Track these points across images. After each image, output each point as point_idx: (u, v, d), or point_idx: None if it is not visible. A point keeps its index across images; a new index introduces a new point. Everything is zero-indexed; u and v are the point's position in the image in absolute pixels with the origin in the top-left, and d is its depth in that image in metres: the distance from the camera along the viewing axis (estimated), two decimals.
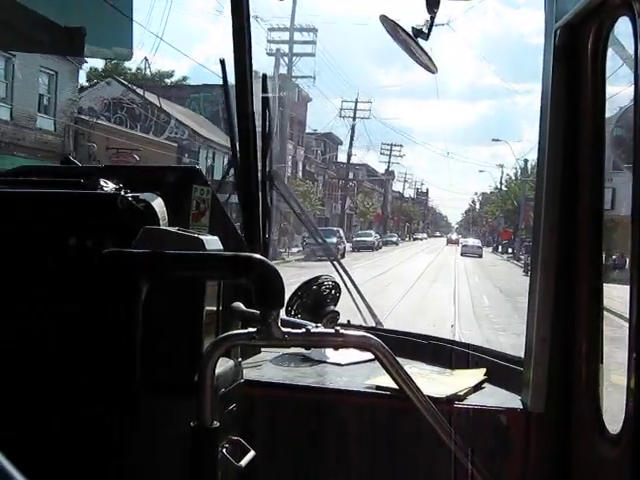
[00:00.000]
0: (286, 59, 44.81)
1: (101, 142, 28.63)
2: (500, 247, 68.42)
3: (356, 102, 66.56)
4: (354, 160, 75.34)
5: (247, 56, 2.76)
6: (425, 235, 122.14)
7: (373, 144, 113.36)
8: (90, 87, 37.65)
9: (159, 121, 37.45)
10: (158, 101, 36.44)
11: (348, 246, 46.05)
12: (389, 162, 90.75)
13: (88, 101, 35.28)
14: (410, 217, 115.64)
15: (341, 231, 41.67)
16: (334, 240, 33.64)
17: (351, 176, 74.47)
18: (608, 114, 2.07)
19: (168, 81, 53.02)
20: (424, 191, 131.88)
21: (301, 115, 56.70)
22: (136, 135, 33.04)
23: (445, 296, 22.65)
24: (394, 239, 77.28)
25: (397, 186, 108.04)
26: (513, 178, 65.21)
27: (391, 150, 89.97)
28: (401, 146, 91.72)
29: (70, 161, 2.39)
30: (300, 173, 57.14)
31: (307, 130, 60.91)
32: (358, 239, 54.02)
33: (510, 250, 57.66)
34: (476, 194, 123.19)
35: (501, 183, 76.29)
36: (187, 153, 36.87)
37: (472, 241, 69.91)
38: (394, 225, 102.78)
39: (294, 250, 38.18)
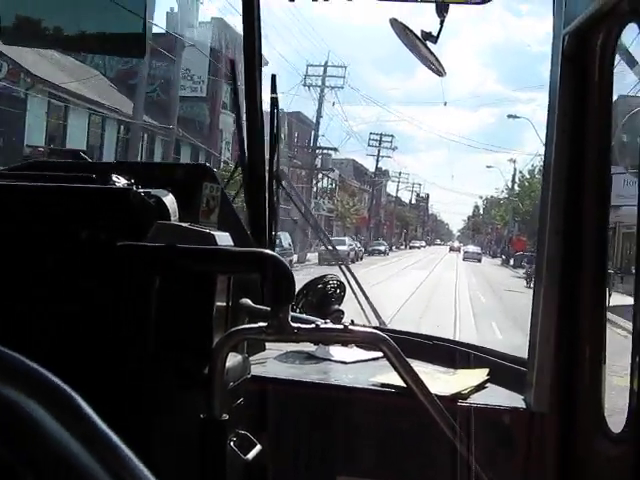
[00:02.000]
0: None
1: None
2: (512, 260, 54.38)
3: (325, 66, 51.65)
4: (337, 155, 62.50)
5: (257, 57, 2.79)
6: (424, 243, 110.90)
7: (356, 133, 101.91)
8: None
9: None
10: None
11: (313, 256, 35.60)
12: (378, 155, 75.94)
13: None
14: (406, 223, 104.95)
15: (286, 236, 29.92)
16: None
17: (332, 167, 60.68)
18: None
19: None
20: (424, 196, 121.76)
21: None
22: None
23: None
24: (382, 248, 63.21)
25: (391, 189, 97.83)
26: (527, 176, 56.93)
27: (381, 141, 75.89)
28: (392, 137, 77.57)
29: (81, 157, 2.42)
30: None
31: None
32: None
33: (526, 263, 40.71)
34: (481, 198, 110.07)
35: (513, 182, 65.13)
36: None
37: (472, 248, 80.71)
38: (387, 231, 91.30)
39: None
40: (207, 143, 39.20)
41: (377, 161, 77.68)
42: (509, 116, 53.32)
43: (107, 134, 31.55)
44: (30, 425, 0.51)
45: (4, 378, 0.54)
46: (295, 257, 33.31)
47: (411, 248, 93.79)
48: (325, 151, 56.75)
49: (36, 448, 0.51)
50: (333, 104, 51.20)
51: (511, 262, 54.85)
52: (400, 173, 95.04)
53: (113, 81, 35.53)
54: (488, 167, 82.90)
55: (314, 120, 52.55)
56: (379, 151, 76.56)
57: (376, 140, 76.50)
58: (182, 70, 33.00)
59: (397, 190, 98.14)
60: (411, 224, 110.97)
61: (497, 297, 26.69)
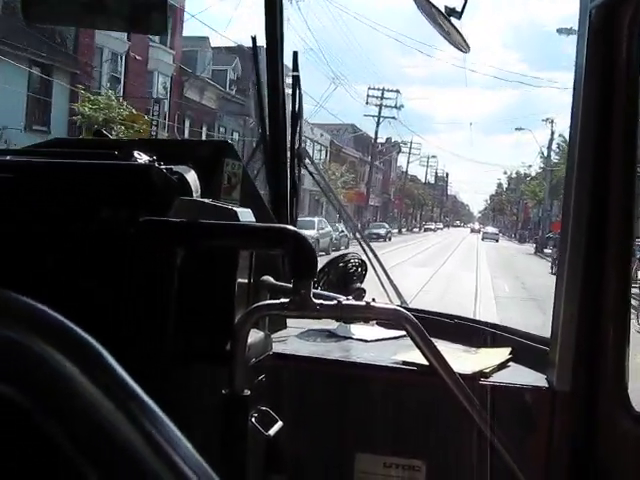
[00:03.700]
0: None
1: None
2: (549, 248, 39.79)
3: None
4: (333, 120, 50.63)
5: (279, 33, 2.77)
6: (440, 225, 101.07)
7: (345, 84, 78.40)
8: None
9: None
10: None
11: None
12: (379, 116, 59.33)
13: None
14: (420, 202, 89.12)
15: None
16: None
17: (323, 138, 47.15)
18: None
19: None
20: (442, 176, 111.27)
21: None
22: None
23: None
24: (382, 232, 48.10)
25: (407, 164, 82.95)
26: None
27: (383, 97, 60.02)
28: (397, 92, 61.94)
29: (103, 134, 2.42)
30: (158, 93, 32.28)
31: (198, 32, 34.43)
32: None
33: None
34: (505, 173, 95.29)
35: (550, 148, 51.00)
36: None
37: (490, 229, 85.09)
38: (398, 211, 79.06)
39: None
40: (73, 67, 26.13)
41: (378, 123, 60.38)
42: (559, 31, 38.40)
43: None
44: (56, 377, 0.51)
45: (29, 329, 0.54)
46: None
47: (425, 230, 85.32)
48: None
49: (62, 399, 0.51)
50: None
51: (547, 250, 41.43)
52: (411, 142, 78.99)
53: None
54: (518, 129, 62.36)
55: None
56: (380, 110, 60.19)
57: (377, 97, 60.93)
58: None
59: (408, 162, 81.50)
60: (426, 204, 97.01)
61: None
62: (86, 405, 0.51)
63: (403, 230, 72.41)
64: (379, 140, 65.41)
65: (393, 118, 61.39)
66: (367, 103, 60.13)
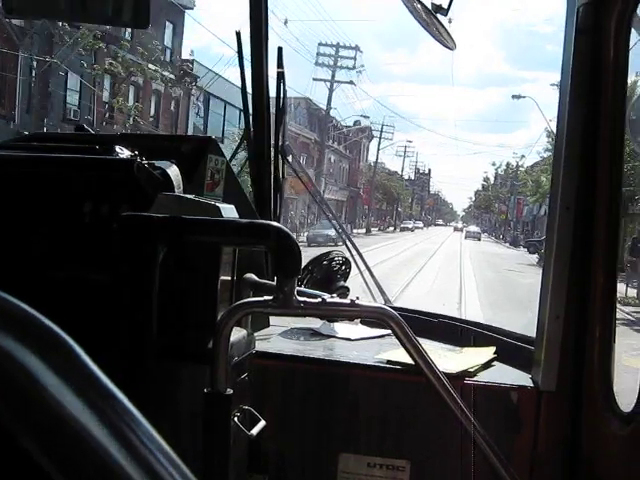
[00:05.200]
0: None
1: None
2: None
3: None
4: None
5: (263, 29, 2.74)
6: (420, 224, 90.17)
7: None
8: None
9: None
10: None
11: None
12: (332, 80, 46.06)
13: None
14: (393, 197, 77.01)
15: None
16: None
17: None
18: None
19: None
20: (425, 171, 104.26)
21: None
22: None
23: None
24: (331, 233, 27.05)
25: (387, 160, 76.38)
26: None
27: (337, 55, 46.57)
28: (357, 49, 47.92)
29: (84, 129, 2.39)
30: None
31: None
32: None
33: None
34: (493, 165, 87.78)
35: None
36: None
37: (473, 228, 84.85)
38: (368, 208, 68.29)
39: None
40: None
41: (331, 88, 46.59)
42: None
43: None
44: (25, 375, 0.48)
45: None
46: None
47: (402, 230, 75.99)
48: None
49: (32, 402, 0.48)
50: None
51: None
52: (382, 126, 65.07)
53: None
54: (515, 97, 48.37)
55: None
56: (334, 74, 46.63)
57: (329, 56, 46.95)
58: None
59: (379, 147, 66.76)
60: (402, 200, 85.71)
61: None
62: (52, 400, 0.48)
63: (373, 230, 62.20)
64: (344, 123, 53.79)
65: (351, 82, 48.16)
66: (317, 63, 46.16)
